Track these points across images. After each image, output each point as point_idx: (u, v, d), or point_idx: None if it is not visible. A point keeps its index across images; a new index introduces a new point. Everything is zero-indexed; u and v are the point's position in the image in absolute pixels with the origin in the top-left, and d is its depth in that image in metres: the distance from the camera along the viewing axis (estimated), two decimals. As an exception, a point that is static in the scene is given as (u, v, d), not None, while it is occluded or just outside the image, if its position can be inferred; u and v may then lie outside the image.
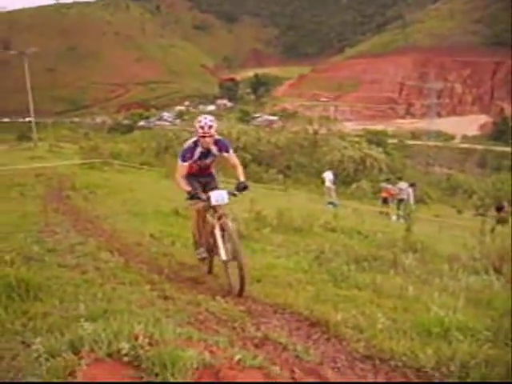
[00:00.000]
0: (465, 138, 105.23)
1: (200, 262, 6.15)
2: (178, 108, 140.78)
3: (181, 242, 7.84)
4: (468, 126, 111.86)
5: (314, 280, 5.79)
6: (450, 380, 3.24)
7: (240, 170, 5.73)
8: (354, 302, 4.88)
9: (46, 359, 2.87)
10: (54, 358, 2.86)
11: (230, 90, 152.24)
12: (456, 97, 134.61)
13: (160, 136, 44.78)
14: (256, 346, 3.76)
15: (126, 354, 2.90)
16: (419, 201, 24.78)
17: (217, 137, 5.66)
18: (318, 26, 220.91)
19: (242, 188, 5.57)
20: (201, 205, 5.70)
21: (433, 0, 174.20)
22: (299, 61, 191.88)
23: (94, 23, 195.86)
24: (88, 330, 3.11)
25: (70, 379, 2.70)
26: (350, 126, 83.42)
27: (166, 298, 4.93)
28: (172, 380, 2.74)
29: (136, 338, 3.02)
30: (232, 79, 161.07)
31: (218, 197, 5.44)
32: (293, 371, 3.26)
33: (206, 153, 5.74)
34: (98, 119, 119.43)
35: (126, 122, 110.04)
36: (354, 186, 34.41)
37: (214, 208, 5.51)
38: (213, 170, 6.17)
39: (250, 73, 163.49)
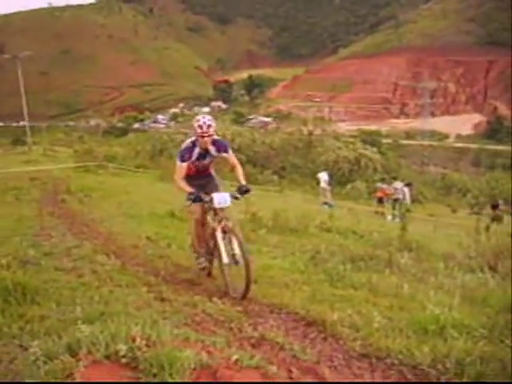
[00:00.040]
0: (459, 137, 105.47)
1: (200, 271, 6.04)
2: (173, 110, 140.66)
3: (177, 244, 7.83)
4: (462, 125, 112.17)
5: (310, 280, 5.80)
6: (446, 377, 3.26)
7: (240, 170, 5.63)
8: (350, 302, 4.89)
9: (44, 362, 2.86)
10: (52, 361, 2.86)
11: (224, 91, 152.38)
12: (450, 96, 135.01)
13: (155, 138, 44.80)
14: (253, 346, 3.77)
15: (123, 356, 2.91)
16: (414, 200, 24.85)
17: (215, 137, 5.56)
18: (312, 27, 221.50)
19: (244, 191, 5.47)
20: (199, 208, 5.63)
21: (425, 0, 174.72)
22: (293, 62, 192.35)
23: (88, 26, 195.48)
24: (85, 332, 3.11)
25: (68, 381, 2.71)
26: (344, 127, 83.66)
27: (162, 299, 4.92)
28: (170, 380, 2.75)
29: (133, 340, 3.03)
30: (226, 81, 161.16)
31: (221, 199, 5.34)
32: (290, 371, 3.27)
33: (205, 153, 5.62)
34: (93, 122, 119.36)
35: (120, 124, 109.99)
36: (349, 186, 34.50)
37: (215, 210, 5.42)
38: (212, 171, 6.05)
39: (244, 74, 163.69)
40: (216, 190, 5.66)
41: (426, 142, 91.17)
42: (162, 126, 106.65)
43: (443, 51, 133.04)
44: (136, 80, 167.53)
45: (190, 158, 5.57)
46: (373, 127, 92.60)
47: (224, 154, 5.65)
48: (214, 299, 4.84)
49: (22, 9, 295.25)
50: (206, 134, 5.37)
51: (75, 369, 2.76)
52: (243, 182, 5.52)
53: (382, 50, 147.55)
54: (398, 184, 20.86)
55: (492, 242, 7.55)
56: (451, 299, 4.61)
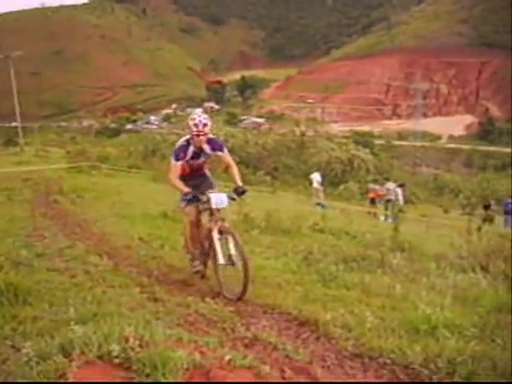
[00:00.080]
0: (451, 138, 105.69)
1: (195, 274, 5.96)
2: (165, 111, 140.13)
3: (169, 245, 7.83)
4: (454, 126, 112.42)
5: (302, 280, 5.81)
6: (438, 376, 3.28)
7: (235, 171, 5.58)
8: (343, 302, 4.91)
9: (37, 362, 2.86)
10: (45, 362, 2.86)
11: (217, 92, 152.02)
12: (442, 97, 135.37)
13: (147, 139, 44.61)
14: (246, 346, 3.78)
15: (116, 356, 2.91)
16: (407, 201, 24.95)
17: (210, 136, 5.51)
18: (304, 29, 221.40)
19: (240, 192, 5.44)
20: (194, 210, 5.60)
21: (417, 1, 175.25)
22: (286, 63, 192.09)
23: (81, 26, 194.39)
24: (78, 332, 3.11)
25: (60, 382, 2.71)
26: (336, 128, 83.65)
27: (155, 300, 4.93)
28: (163, 380, 2.76)
29: (126, 340, 3.03)
30: (219, 82, 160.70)
31: (218, 200, 5.30)
32: (283, 370, 3.28)
33: (199, 152, 5.58)
34: (85, 123, 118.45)
35: (113, 125, 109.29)
36: (341, 186, 34.60)
37: (211, 211, 5.37)
38: (206, 171, 6.01)
39: (237, 75, 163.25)
40: (211, 189, 5.60)
41: (418, 143, 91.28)
42: (155, 126, 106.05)
43: (435, 52, 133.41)
44: (129, 81, 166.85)
45: (185, 156, 5.52)
46: (365, 128, 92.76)
47: (219, 153, 5.62)
48: (207, 300, 4.83)
49: (15, 9, 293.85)
50: (201, 133, 5.33)
51: (68, 369, 2.76)
52: (239, 183, 5.49)
53: (375, 51, 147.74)
54: (391, 185, 20.97)
55: (483, 243, 7.62)
56: (443, 299, 4.64)
